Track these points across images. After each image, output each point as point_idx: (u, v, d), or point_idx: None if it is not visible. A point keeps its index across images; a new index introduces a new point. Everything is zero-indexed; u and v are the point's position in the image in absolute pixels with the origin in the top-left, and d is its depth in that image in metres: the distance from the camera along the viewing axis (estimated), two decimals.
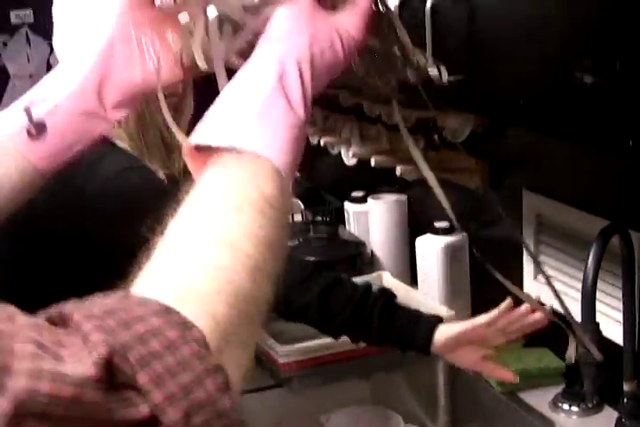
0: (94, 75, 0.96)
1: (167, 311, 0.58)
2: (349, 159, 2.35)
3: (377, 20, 0.88)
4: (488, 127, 1.82)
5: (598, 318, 1.43)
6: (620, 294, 1.53)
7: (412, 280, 2.18)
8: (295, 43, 0.79)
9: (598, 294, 1.43)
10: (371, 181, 2.37)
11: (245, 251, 0.66)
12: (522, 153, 1.79)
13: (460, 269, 2.04)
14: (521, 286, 1.83)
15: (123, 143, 1.73)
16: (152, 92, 0.98)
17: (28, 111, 0.95)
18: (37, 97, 0.96)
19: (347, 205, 2.40)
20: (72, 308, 0.57)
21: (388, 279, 2.08)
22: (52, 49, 3.93)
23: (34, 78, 3.90)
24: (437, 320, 1.56)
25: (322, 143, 2.38)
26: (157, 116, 1.73)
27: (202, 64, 0.92)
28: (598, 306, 1.45)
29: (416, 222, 2.24)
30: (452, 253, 2.02)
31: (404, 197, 2.28)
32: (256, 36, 0.84)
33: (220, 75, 0.87)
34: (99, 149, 1.65)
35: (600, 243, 1.40)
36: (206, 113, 0.77)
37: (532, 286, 1.81)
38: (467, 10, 1.15)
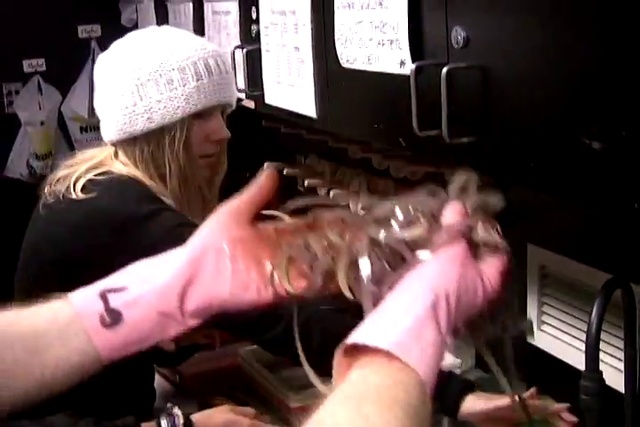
0: (181, 279, 0.95)
1: None
2: (356, 208, 2.41)
3: None
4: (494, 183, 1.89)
5: (601, 367, 1.48)
6: (622, 345, 1.59)
7: None
8: (447, 278, 0.86)
9: (602, 345, 1.49)
10: None
11: None
12: (526, 208, 1.86)
13: None
14: (524, 336, 1.89)
15: (167, 200, 1.84)
16: (234, 307, 0.99)
17: (104, 297, 0.93)
18: (117, 285, 0.95)
19: None
20: None
21: None
22: (63, 97, 4.04)
23: (45, 125, 3.98)
24: (468, 386, 1.63)
25: (331, 195, 2.45)
26: (197, 172, 1.87)
27: (348, 294, 0.94)
28: (602, 356, 1.51)
29: None
30: None
31: None
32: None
33: (368, 308, 0.90)
34: (149, 205, 1.79)
35: (603, 296, 1.47)
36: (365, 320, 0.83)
37: (537, 336, 1.87)
38: (480, 76, 1.22)
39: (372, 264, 0.93)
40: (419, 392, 0.77)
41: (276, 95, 1.95)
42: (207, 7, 2.42)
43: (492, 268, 0.92)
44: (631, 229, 1.54)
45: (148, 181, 1.87)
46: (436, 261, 0.89)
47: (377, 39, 1.44)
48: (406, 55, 1.37)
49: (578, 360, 1.59)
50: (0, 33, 3.86)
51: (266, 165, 0.91)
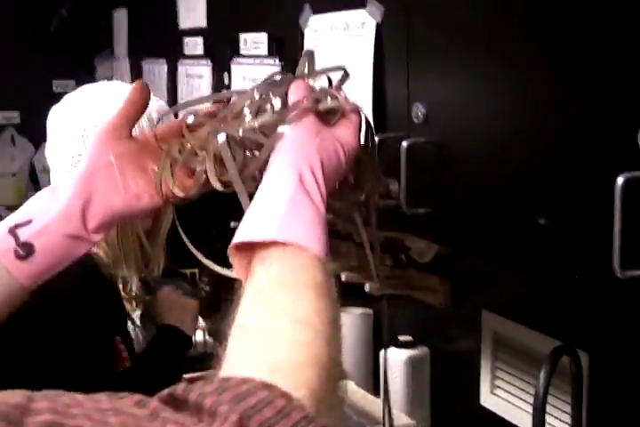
0: (78, 200, 1.02)
1: (268, 386, 0.67)
2: None
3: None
4: (451, 251, 1.96)
5: None
6: (568, 409, 1.65)
7: (375, 389, 2.29)
8: (306, 151, 0.92)
9: (549, 408, 1.56)
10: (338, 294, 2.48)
11: (317, 327, 0.77)
12: (481, 276, 1.93)
13: (422, 381, 2.15)
14: (478, 399, 1.94)
15: (96, 249, 1.86)
16: (131, 217, 1.10)
17: (14, 233, 1.00)
18: (22, 219, 1.01)
19: None
20: (183, 389, 0.66)
21: (352, 388, 2.19)
22: (36, 149, 4.09)
23: (16, 177, 4.03)
24: None
25: None
26: (136, 222, 1.87)
27: (218, 186, 1.02)
28: (548, 419, 1.57)
29: (381, 335, 2.35)
30: (414, 366, 2.13)
31: (369, 311, 2.40)
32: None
33: (243, 195, 0.97)
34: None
35: (551, 362, 1.53)
36: (243, 216, 0.89)
37: (489, 398, 1.93)
38: (438, 151, 1.30)
39: (234, 158, 0.99)
40: (319, 268, 0.82)
41: None
42: (181, 70, 2.50)
43: (346, 129, 0.98)
44: (576, 299, 1.61)
45: None
46: (291, 138, 0.94)
47: None
48: None
49: (527, 423, 1.65)
50: None
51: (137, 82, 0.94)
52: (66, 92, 3.99)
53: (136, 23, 3.17)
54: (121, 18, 3.35)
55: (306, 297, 0.79)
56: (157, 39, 2.81)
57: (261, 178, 0.93)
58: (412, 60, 1.37)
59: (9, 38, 3.98)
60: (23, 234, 1.00)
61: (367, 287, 2.18)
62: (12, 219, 1.02)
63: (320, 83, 1.07)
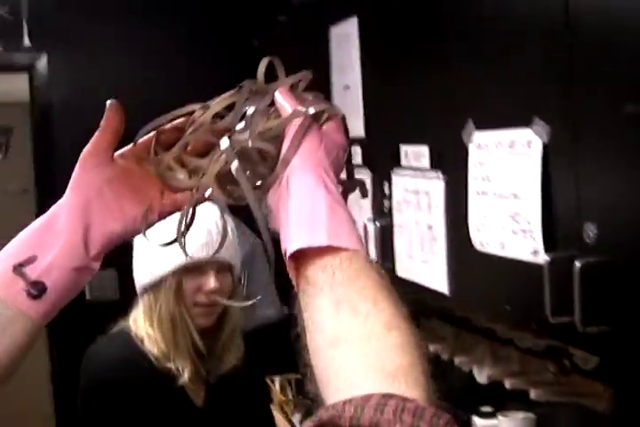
0: (79, 231, 1.01)
1: (391, 395, 0.73)
2: (481, 377, 2.46)
3: None
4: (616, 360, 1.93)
5: None
6: None
7: None
8: (319, 157, 0.95)
9: None
10: (500, 397, 2.46)
11: (404, 328, 0.82)
12: None
13: None
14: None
15: (149, 344, 2.15)
16: (130, 237, 1.06)
17: (21, 273, 0.98)
18: (25, 256, 0.99)
19: (475, 419, 2.48)
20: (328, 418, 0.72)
21: None
22: None
23: None
24: None
25: (455, 362, 2.50)
26: (189, 322, 2.15)
27: (222, 197, 1.01)
28: None
29: None
30: None
31: (532, 416, 2.36)
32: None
33: (257, 209, 0.96)
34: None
35: None
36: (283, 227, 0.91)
37: None
38: (613, 270, 1.30)
39: (244, 170, 0.98)
40: (374, 267, 0.88)
41: (407, 269, 2.04)
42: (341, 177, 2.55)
43: (337, 131, 1.01)
44: None
45: (146, 329, 2.16)
46: (304, 148, 0.95)
47: (510, 228, 1.54)
48: (539, 245, 1.46)
49: None
50: None
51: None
52: None
53: None
54: None
55: (383, 301, 0.83)
56: None
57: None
58: (582, 178, 1.38)
59: None
60: (31, 273, 0.98)
61: (532, 394, 2.16)
62: (12, 256, 1.00)
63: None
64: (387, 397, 0.72)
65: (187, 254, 1.10)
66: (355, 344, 0.81)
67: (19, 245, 1.01)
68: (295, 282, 0.91)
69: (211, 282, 2.16)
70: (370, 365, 0.79)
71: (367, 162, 2.32)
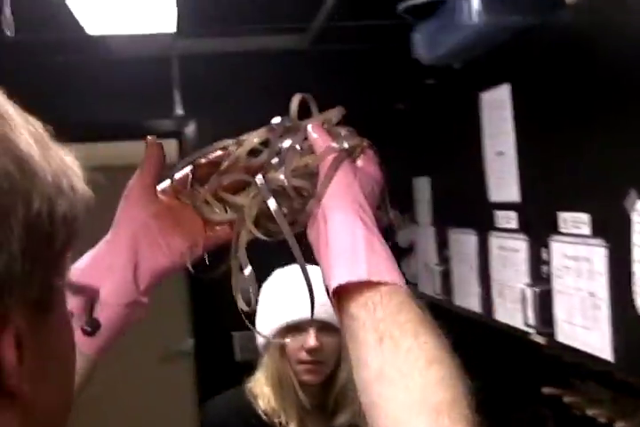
0: (129, 268, 1.03)
1: None
2: None
3: None
4: None
5: None
6: None
7: None
8: (354, 192, 0.99)
9: None
10: None
11: (446, 361, 0.86)
12: None
13: None
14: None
15: (261, 400, 2.32)
16: (176, 271, 1.09)
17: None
18: None
19: None
20: None
21: None
22: None
23: None
24: None
25: None
26: (294, 378, 2.30)
27: (261, 236, 1.05)
28: None
29: None
30: None
31: None
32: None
33: (292, 241, 1.01)
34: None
35: None
36: (325, 262, 0.94)
37: None
38: None
39: (280, 207, 1.01)
40: (414, 300, 0.91)
41: (567, 335, 2.03)
42: (493, 242, 2.57)
43: (371, 165, 1.06)
44: None
45: (260, 385, 2.33)
46: (338, 182, 0.99)
47: None
48: None
49: None
50: None
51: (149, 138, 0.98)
52: None
53: (439, 191, 3.30)
54: (422, 185, 3.50)
55: (424, 335, 0.87)
56: (464, 209, 2.91)
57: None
58: None
59: None
60: None
61: None
62: None
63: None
64: None
65: (249, 305, 1.10)
66: (398, 380, 0.84)
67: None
68: (339, 318, 0.94)
69: (310, 341, 2.27)
70: (414, 400, 0.82)
71: (523, 227, 2.32)
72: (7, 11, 2.68)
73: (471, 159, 2.68)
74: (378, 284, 0.91)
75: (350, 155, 1.05)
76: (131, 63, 4.08)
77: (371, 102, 4.16)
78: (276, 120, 1.12)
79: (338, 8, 3.30)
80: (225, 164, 1.10)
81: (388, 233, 1.06)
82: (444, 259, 3.15)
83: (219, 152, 1.13)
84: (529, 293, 2.18)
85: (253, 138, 1.11)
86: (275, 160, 1.06)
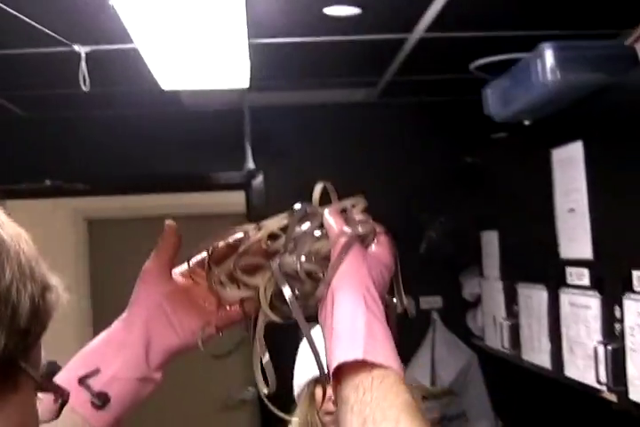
0: (141, 345, 1.07)
1: None
2: None
3: None
4: None
5: None
6: None
7: None
8: (362, 276, 1.01)
9: None
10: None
11: None
12: None
13: None
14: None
15: None
16: (189, 350, 1.12)
17: (86, 384, 1.03)
18: (88, 369, 1.05)
19: None
20: None
21: None
22: (405, 366, 4.22)
23: None
24: None
25: None
26: (319, 425, 2.44)
27: (275, 318, 1.07)
28: None
29: None
30: None
31: None
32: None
33: (304, 325, 1.03)
34: None
35: None
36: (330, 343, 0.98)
37: None
38: None
39: (292, 290, 1.03)
40: (403, 386, 0.94)
41: None
42: (564, 298, 2.55)
43: (383, 250, 1.08)
44: None
45: None
46: (347, 266, 1.01)
47: None
48: None
49: None
50: None
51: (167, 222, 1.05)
52: (432, 309, 4.26)
53: (508, 246, 3.29)
54: (491, 239, 3.49)
55: (405, 420, 0.89)
56: (534, 264, 2.90)
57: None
58: None
59: None
60: (95, 384, 1.04)
61: None
62: (77, 368, 1.05)
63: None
64: None
65: (268, 385, 1.11)
66: None
67: (84, 358, 1.07)
68: (335, 399, 0.98)
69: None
70: None
71: (596, 284, 2.31)
72: (83, 65, 2.77)
73: (541, 215, 2.68)
74: (372, 367, 0.94)
75: (363, 240, 1.08)
76: (202, 116, 4.16)
77: (439, 155, 4.19)
78: (297, 206, 1.14)
79: (408, 63, 3.34)
80: (243, 246, 1.13)
81: (400, 319, 1.10)
82: (513, 313, 3.13)
83: (239, 235, 1.15)
84: (601, 350, 2.17)
85: (273, 223, 1.13)
86: (291, 245, 1.09)
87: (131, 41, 2.57)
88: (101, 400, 1.03)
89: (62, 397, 0.77)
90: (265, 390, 1.09)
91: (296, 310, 1.04)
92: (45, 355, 0.77)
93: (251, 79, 3.12)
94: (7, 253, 0.68)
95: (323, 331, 1.01)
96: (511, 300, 3.16)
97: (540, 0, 2.51)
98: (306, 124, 4.29)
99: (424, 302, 4.32)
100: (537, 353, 2.82)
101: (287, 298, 1.05)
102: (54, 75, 3.25)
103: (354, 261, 1.02)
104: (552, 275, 2.63)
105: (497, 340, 3.30)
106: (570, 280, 2.49)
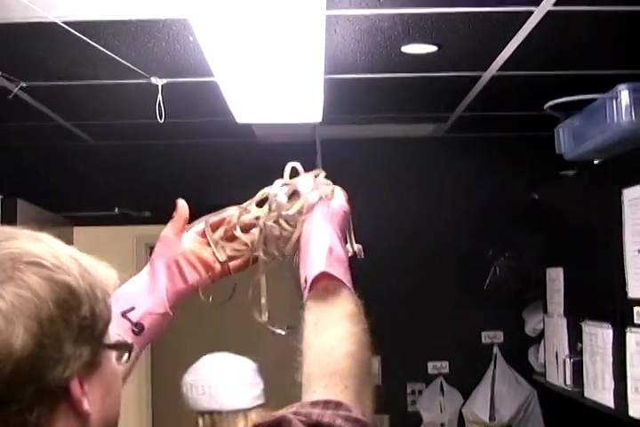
0: (164, 289, 1.42)
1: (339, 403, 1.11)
2: None
3: None
4: None
5: None
6: None
7: None
8: (328, 217, 1.39)
9: None
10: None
11: (360, 342, 1.21)
12: None
13: None
14: None
15: None
16: (193, 292, 1.46)
17: (127, 317, 1.37)
18: (127, 307, 1.38)
19: None
20: (304, 414, 1.07)
21: None
22: (464, 400, 4.24)
23: None
24: None
25: None
26: None
27: (264, 258, 1.46)
28: None
29: None
30: None
31: None
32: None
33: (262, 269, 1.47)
34: None
35: None
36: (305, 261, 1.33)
37: None
38: None
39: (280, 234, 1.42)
40: (352, 299, 1.26)
41: None
42: (629, 337, 2.56)
43: (340, 200, 1.42)
44: None
45: None
46: (317, 212, 1.39)
47: None
48: None
49: None
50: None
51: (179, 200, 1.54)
52: (493, 343, 4.26)
53: (573, 283, 3.30)
54: (556, 276, 3.50)
55: (346, 324, 1.22)
56: (600, 302, 2.90)
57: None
58: None
59: (443, 295, 4.29)
60: (133, 317, 1.38)
61: None
62: (119, 307, 1.35)
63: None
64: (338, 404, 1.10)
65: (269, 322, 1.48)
66: (312, 352, 1.21)
67: (122, 299, 1.37)
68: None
69: None
70: (322, 373, 1.17)
71: None
72: (159, 97, 2.85)
73: (609, 254, 2.70)
74: (330, 279, 1.27)
75: (326, 196, 1.42)
76: (273, 148, 4.21)
77: (505, 190, 4.22)
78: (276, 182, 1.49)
79: (480, 99, 3.38)
80: (235, 216, 1.50)
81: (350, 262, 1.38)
82: (576, 351, 3.13)
83: (230, 211, 1.52)
84: None
85: (255, 197, 1.49)
86: (273, 206, 1.44)
87: (207, 74, 2.65)
88: (138, 328, 1.38)
89: (130, 348, 1.03)
90: (259, 319, 1.46)
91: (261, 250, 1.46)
92: None
93: (323, 113, 3.18)
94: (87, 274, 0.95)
95: (300, 256, 1.38)
96: (575, 337, 3.16)
97: (614, 40, 2.54)
98: (375, 157, 4.34)
99: (486, 336, 4.33)
100: (600, 391, 2.82)
101: (271, 234, 1.43)
102: (129, 105, 3.35)
103: (321, 208, 1.40)
104: (619, 314, 2.64)
105: (559, 377, 3.30)
106: (637, 320, 2.50)
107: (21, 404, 0.86)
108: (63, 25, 2.19)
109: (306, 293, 1.30)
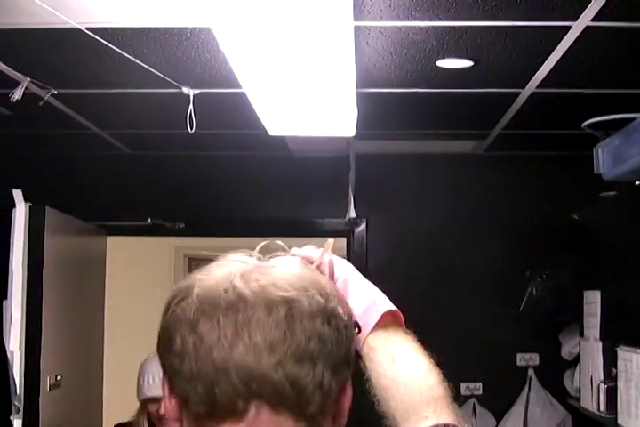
0: None
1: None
2: None
3: None
4: None
5: None
6: None
7: None
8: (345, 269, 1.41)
9: None
10: None
11: (441, 374, 1.23)
12: None
13: None
14: None
15: None
16: None
17: None
18: None
19: None
20: None
21: None
22: (497, 422, 4.15)
23: None
24: None
25: None
26: None
27: None
28: None
29: None
30: None
31: None
32: None
33: None
34: None
35: None
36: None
37: None
38: None
39: None
40: (408, 334, 1.29)
41: None
42: None
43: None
44: None
45: None
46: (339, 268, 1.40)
47: None
48: None
49: None
50: None
51: None
52: (529, 366, 4.18)
53: (610, 307, 3.22)
54: (593, 299, 3.42)
55: (420, 353, 1.26)
56: (637, 327, 2.83)
57: None
58: None
59: (478, 315, 4.22)
60: None
61: None
62: None
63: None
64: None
65: None
66: (398, 388, 1.23)
67: None
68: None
69: None
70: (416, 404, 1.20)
71: None
72: (191, 107, 2.82)
73: None
74: (388, 319, 1.28)
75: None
76: (307, 162, 4.19)
77: (543, 209, 4.14)
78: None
79: (519, 117, 3.32)
80: None
81: None
82: (611, 376, 3.06)
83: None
84: None
85: None
86: None
87: (238, 85, 2.61)
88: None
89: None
90: None
91: None
92: None
93: (357, 127, 3.14)
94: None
95: None
96: (610, 362, 3.08)
97: None
98: (410, 173, 4.29)
99: (521, 358, 4.24)
100: (634, 419, 2.75)
101: None
102: (162, 115, 3.33)
103: (339, 262, 1.41)
104: None
105: (593, 402, 3.22)
106: None
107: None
108: (88, 32, 2.17)
109: (362, 336, 1.27)
